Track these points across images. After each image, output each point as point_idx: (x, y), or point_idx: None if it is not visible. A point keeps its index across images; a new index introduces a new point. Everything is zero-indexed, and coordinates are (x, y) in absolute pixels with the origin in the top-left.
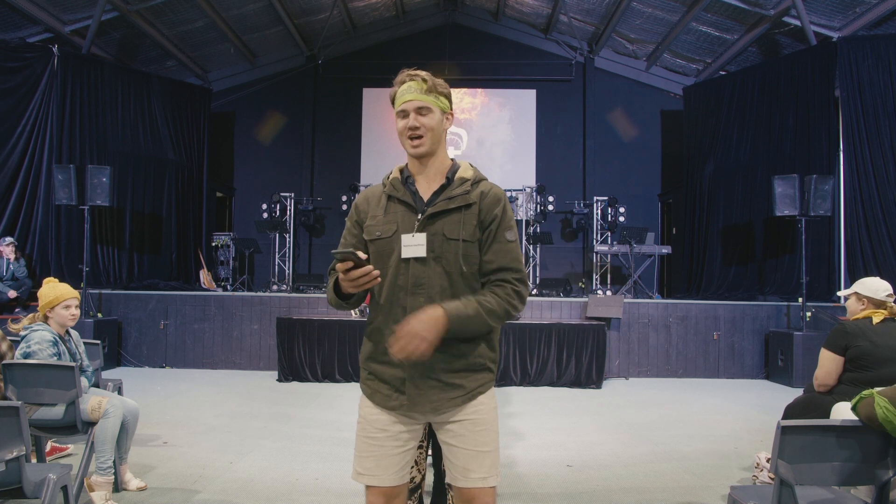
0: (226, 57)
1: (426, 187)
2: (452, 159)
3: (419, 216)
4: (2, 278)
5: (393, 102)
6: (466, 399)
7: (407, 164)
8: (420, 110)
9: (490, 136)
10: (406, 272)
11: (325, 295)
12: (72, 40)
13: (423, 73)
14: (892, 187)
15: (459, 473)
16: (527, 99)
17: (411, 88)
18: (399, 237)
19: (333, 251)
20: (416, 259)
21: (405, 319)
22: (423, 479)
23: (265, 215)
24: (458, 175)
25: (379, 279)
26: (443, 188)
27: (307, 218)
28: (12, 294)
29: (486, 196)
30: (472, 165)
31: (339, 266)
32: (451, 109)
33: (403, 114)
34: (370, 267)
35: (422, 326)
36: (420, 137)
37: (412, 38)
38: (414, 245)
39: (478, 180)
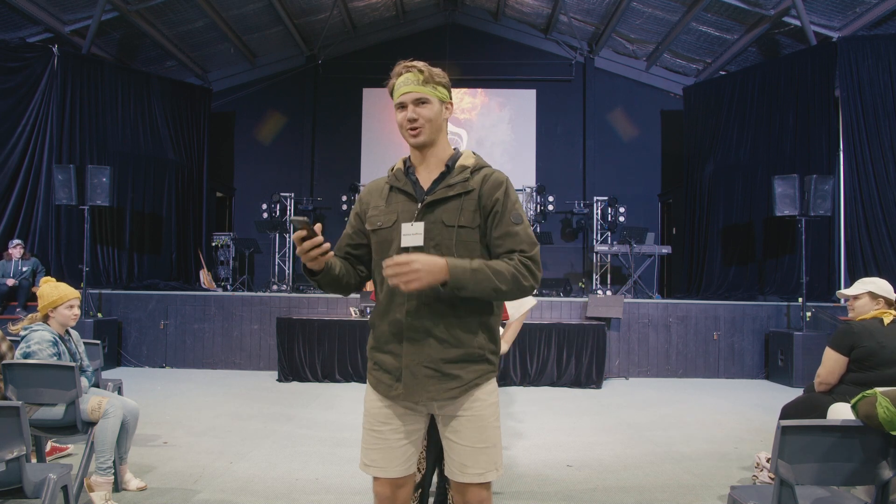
0: (226, 57)
1: (426, 176)
2: (455, 148)
3: (419, 205)
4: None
5: (392, 94)
6: (464, 390)
7: (410, 156)
8: (418, 102)
9: (490, 136)
10: None
11: (325, 295)
12: (72, 40)
13: (419, 64)
14: (892, 187)
15: (456, 468)
16: (527, 99)
17: (408, 80)
18: (399, 227)
19: (291, 218)
20: (415, 248)
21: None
22: (423, 476)
23: (265, 215)
24: (458, 163)
25: (330, 252)
26: (442, 176)
27: (307, 218)
28: (11, 282)
29: (486, 181)
30: (474, 153)
31: (294, 235)
32: (451, 99)
33: (402, 106)
34: (319, 238)
35: (423, 263)
36: (418, 128)
37: (412, 38)
38: (412, 234)
39: (479, 167)
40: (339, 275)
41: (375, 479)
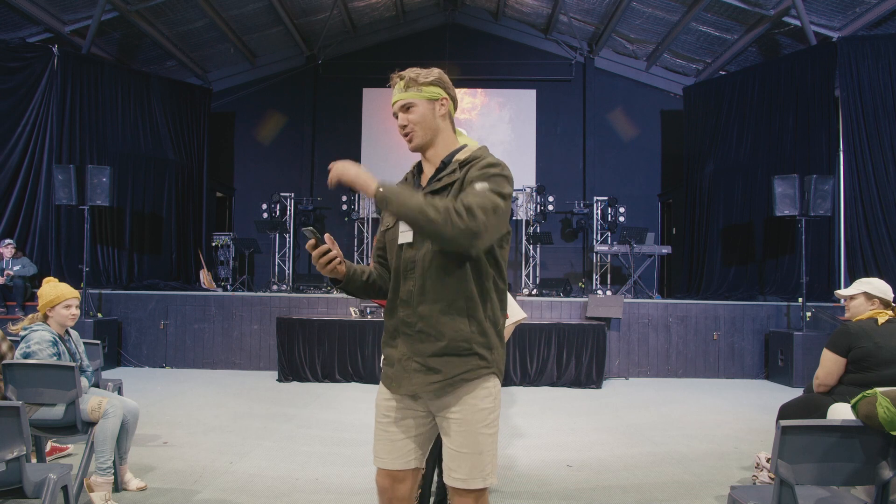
0: (226, 57)
1: (427, 175)
2: (465, 146)
3: None
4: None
5: None
6: (446, 384)
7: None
8: (404, 108)
9: (490, 136)
10: (401, 257)
11: (325, 295)
12: (72, 40)
13: (403, 72)
14: (892, 187)
15: (444, 469)
16: (527, 99)
17: (395, 91)
18: (400, 225)
19: (302, 229)
20: (408, 244)
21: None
22: (422, 475)
23: (265, 215)
24: (455, 158)
25: (338, 259)
26: (437, 172)
27: (307, 218)
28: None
29: (472, 167)
30: (482, 147)
31: (307, 245)
32: (447, 94)
33: (395, 116)
34: (326, 246)
35: (355, 166)
36: (409, 133)
37: (412, 38)
38: (406, 230)
39: (472, 158)
40: (370, 281)
41: (378, 469)
